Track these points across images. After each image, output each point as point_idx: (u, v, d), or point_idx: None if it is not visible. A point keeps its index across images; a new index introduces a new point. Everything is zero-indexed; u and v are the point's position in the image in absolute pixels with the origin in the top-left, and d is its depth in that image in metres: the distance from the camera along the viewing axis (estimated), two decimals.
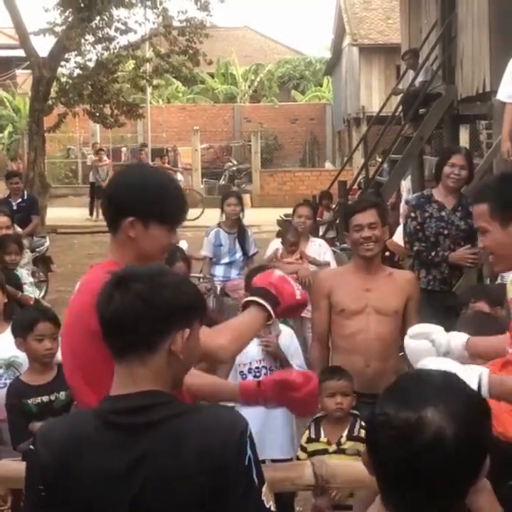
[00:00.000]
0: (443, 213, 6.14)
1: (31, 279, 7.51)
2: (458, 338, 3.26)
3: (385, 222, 4.63)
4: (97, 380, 2.58)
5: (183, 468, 1.94)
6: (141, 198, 2.73)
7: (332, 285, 4.59)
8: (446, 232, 6.12)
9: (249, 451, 1.98)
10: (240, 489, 1.96)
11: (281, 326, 4.94)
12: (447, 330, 5.81)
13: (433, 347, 3.19)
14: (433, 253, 6.10)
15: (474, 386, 2.74)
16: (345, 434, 4.17)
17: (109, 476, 1.95)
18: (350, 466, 3.67)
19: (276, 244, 7.45)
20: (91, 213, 22.21)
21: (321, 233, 11.03)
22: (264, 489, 2.01)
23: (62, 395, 4.18)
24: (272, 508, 2.03)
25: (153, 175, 2.88)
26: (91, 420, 2.02)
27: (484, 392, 2.78)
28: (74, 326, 2.73)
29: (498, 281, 5.72)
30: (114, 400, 2.04)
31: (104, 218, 2.85)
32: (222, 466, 1.94)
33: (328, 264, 7.03)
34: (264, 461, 4.55)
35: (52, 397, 4.19)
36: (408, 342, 3.24)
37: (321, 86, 39.48)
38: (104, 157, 23.36)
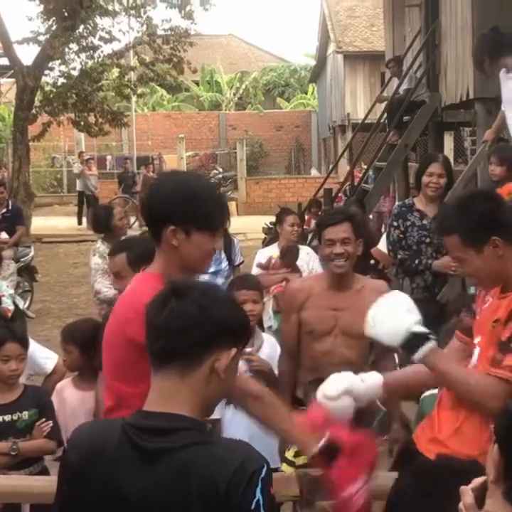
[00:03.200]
0: (424, 222, 6.17)
1: (11, 291, 7.48)
2: (373, 379, 3.20)
3: (360, 235, 4.41)
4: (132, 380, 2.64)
5: (184, 500, 1.89)
6: (179, 205, 2.71)
7: (303, 301, 4.42)
8: (428, 240, 6.15)
9: (258, 495, 1.87)
10: None
11: (265, 335, 4.91)
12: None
13: (352, 402, 3.11)
14: (416, 261, 6.12)
15: (421, 330, 2.84)
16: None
17: (117, 492, 1.95)
18: None
19: (269, 252, 7.42)
20: (79, 222, 22.13)
21: (308, 241, 11.02)
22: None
23: (25, 414, 4.12)
24: None
25: (189, 181, 2.83)
26: (118, 431, 2.00)
27: (424, 349, 2.82)
28: (114, 332, 2.78)
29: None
30: (142, 416, 2.01)
31: (148, 229, 2.85)
32: (224, 505, 1.87)
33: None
34: None
35: (15, 417, 4.12)
36: (328, 404, 3.09)
37: (306, 93, 39.57)
38: (93, 166, 23.32)
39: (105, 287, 6.46)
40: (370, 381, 3.18)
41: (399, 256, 6.23)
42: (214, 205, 2.76)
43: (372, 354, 4.46)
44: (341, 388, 3.11)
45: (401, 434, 4.24)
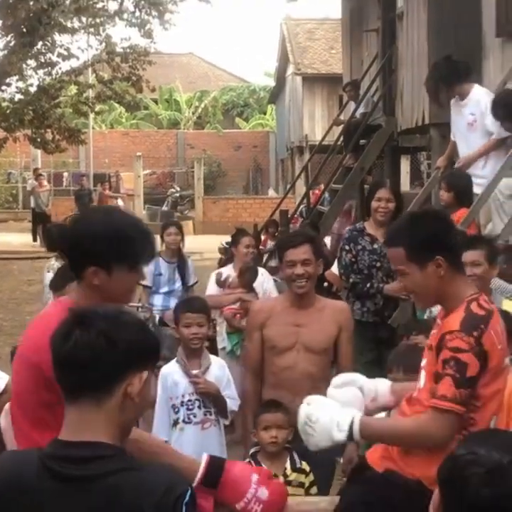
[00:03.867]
0: (375, 246, 6.24)
1: None
2: (383, 384, 3.27)
3: (320, 256, 4.60)
4: (37, 419, 2.63)
5: None
6: (101, 246, 2.69)
7: (265, 318, 4.55)
8: (379, 264, 6.21)
9: None
10: None
11: (213, 357, 4.92)
12: (378, 360, 5.89)
13: (360, 393, 3.18)
14: (368, 285, 6.18)
15: (346, 428, 2.87)
16: (288, 466, 4.15)
17: None
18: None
19: (226, 272, 7.40)
20: (34, 239, 21.94)
21: (263, 262, 11.03)
22: None
23: None
24: None
25: (112, 219, 2.80)
26: (35, 462, 1.97)
27: (355, 432, 2.87)
28: (23, 360, 2.74)
29: (427, 314, 5.79)
30: (59, 446, 1.98)
31: (69, 263, 2.82)
32: None
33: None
34: None
35: None
36: (333, 392, 3.20)
37: (265, 114, 39.74)
38: (45, 182, 23.15)
39: None
40: (379, 382, 3.29)
41: (351, 280, 6.28)
42: (137, 243, 2.74)
43: (335, 369, 4.56)
44: (347, 379, 3.28)
45: (355, 454, 4.30)
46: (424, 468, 2.84)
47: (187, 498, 1.93)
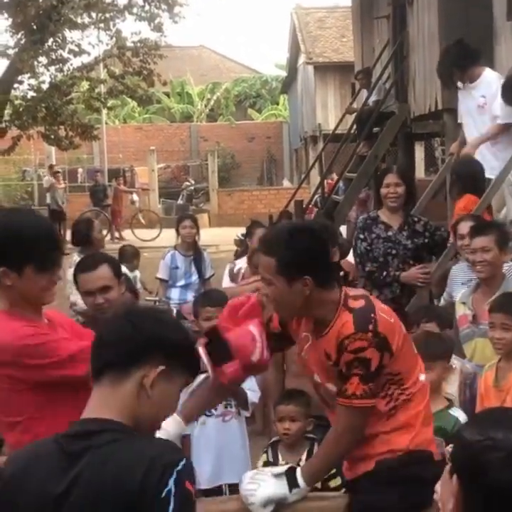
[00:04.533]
0: (390, 233, 6.21)
1: None
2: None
3: (334, 244, 4.62)
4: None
5: (103, 493, 1.93)
6: (6, 247, 2.72)
7: None
8: (394, 251, 6.19)
9: (171, 484, 1.90)
10: None
11: None
12: None
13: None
14: (384, 273, 6.16)
15: (284, 490, 2.99)
16: (304, 457, 4.13)
17: (45, 500, 1.99)
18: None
19: (240, 264, 7.41)
20: None
21: None
22: None
23: None
24: None
25: (17, 220, 2.82)
26: (51, 443, 2.07)
27: (302, 485, 3.00)
28: None
29: (442, 301, 5.77)
30: (74, 424, 2.09)
31: None
32: (136, 492, 1.90)
33: None
34: (220, 487, 4.58)
35: None
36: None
37: (278, 104, 39.65)
38: (61, 179, 23.22)
39: (80, 299, 6.47)
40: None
41: (367, 268, 6.26)
42: (44, 243, 2.77)
43: None
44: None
45: None
46: (396, 442, 3.03)
47: (179, 466, 1.94)
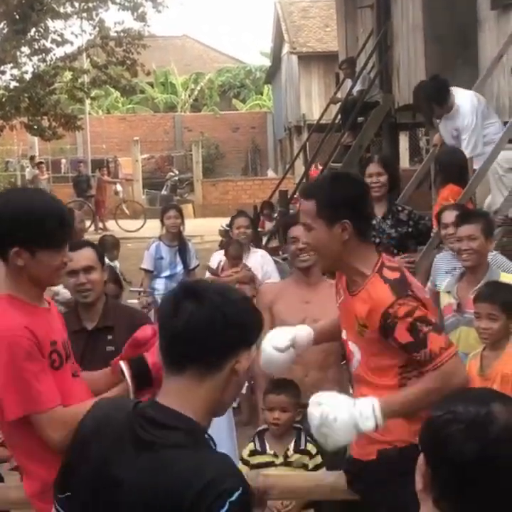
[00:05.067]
0: (373, 222, 6.22)
1: None
2: (306, 329, 3.46)
3: None
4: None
5: (153, 497, 1.89)
6: (20, 226, 2.69)
7: (273, 298, 4.61)
8: (377, 240, 6.19)
9: None
10: None
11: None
12: None
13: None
14: None
15: (370, 416, 2.88)
16: (291, 446, 4.14)
17: (106, 470, 1.97)
18: (287, 477, 3.69)
19: (218, 257, 7.41)
20: None
21: (264, 243, 11.02)
22: None
23: None
24: None
25: (30, 200, 2.80)
26: (125, 413, 2.02)
27: (379, 418, 2.89)
28: None
29: (426, 290, 5.77)
30: (152, 407, 2.02)
31: None
32: (183, 510, 1.84)
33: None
34: None
35: None
36: (276, 356, 3.37)
37: (262, 94, 39.61)
38: (44, 170, 23.11)
39: (63, 288, 6.43)
40: (305, 332, 3.44)
41: None
42: (57, 222, 2.74)
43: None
44: (289, 338, 3.36)
45: None
46: (399, 433, 2.99)
47: (234, 497, 1.84)
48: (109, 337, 3.88)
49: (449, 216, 5.49)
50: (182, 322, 1.97)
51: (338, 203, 2.97)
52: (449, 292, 4.92)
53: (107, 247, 8.23)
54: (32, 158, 24.84)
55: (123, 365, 2.85)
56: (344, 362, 4.78)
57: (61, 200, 2.94)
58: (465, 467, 1.60)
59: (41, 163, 23.73)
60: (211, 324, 1.96)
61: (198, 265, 8.09)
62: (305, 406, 4.21)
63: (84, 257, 3.95)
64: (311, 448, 4.10)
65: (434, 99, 7.18)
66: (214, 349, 1.98)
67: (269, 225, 12.93)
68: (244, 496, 1.86)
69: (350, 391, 3.65)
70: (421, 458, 1.68)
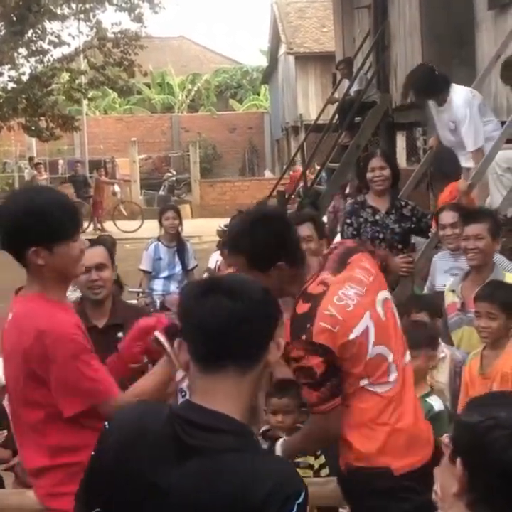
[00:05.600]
0: (377, 217, 6.23)
1: None
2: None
3: (322, 235, 4.67)
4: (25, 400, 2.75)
5: (212, 505, 1.86)
6: (31, 226, 2.71)
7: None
8: (381, 235, 6.20)
9: None
10: None
11: None
12: None
13: None
14: None
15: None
16: None
17: (150, 479, 1.91)
18: None
19: (216, 257, 7.43)
20: None
21: None
22: None
23: None
24: None
25: (34, 198, 2.82)
26: (163, 418, 1.96)
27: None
28: (15, 363, 2.78)
29: (425, 291, 5.78)
30: (189, 408, 1.97)
31: (10, 253, 2.81)
32: None
33: None
34: None
35: None
36: None
37: (259, 95, 39.61)
38: (43, 171, 23.09)
39: (68, 291, 6.45)
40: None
41: None
42: (64, 213, 2.77)
43: None
44: None
45: None
46: (350, 452, 3.00)
47: (300, 499, 1.86)
48: (120, 334, 3.88)
49: (447, 217, 5.50)
50: (222, 318, 1.94)
51: (265, 251, 2.90)
52: (453, 291, 4.93)
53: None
54: (31, 159, 24.83)
55: (159, 335, 2.85)
56: None
57: (63, 193, 2.96)
58: (508, 473, 1.62)
59: (39, 164, 23.72)
60: (250, 318, 1.95)
61: (196, 266, 8.09)
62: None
63: (97, 254, 4.02)
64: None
65: (421, 90, 7.16)
66: (254, 342, 1.97)
67: None
68: (307, 496, 1.88)
69: None
70: (458, 462, 1.69)
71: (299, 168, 24.53)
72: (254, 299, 1.98)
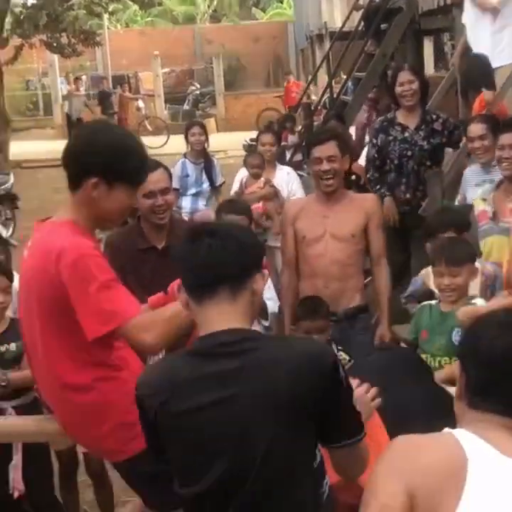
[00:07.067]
0: (406, 134, 6.20)
1: None
2: None
3: (346, 152, 4.72)
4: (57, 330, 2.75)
5: (275, 389, 2.08)
6: (109, 158, 2.70)
7: (296, 213, 4.78)
8: (409, 153, 6.17)
9: (342, 373, 2.15)
10: (342, 408, 2.16)
11: None
12: (404, 249, 6.05)
13: None
14: (378, 186, 6.28)
15: None
16: None
17: (208, 407, 2.11)
18: None
19: (242, 173, 7.39)
20: None
21: (288, 157, 10.94)
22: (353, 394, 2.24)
23: (12, 346, 4.12)
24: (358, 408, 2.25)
25: (120, 135, 2.83)
26: (187, 359, 2.19)
27: None
28: (38, 280, 2.77)
29: (457, 200, 5.73)
30: (206, 338, 2.18)
31: (66, 174, 2.81)
32: (322, 394, 2.10)
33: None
34: None
35: (3, 349, 4.13)
36: None
37: (282, 2, 38.82)
38: (81, 87, 22.91)
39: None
40: None
41: (368, 175, 6.40)
42: (141, 163, 2.78)
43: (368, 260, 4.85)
44: None
45: (387, 333, 4.62)
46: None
47: (337, 358, 2.19)
48: None
49: (475, 129, 5.43)
50: (204, 251, 2.19)
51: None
52: (484, 200, 4.89)
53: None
54: (67, 74, 24.62)
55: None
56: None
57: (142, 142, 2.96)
58: (498, 365, 1.74)
59: (78, 78, 23.53)
60: (230, 251, 2.19)
61: (223, 182, 8.06)
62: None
63: (161, 178, 4.03)
64: (344, 356, 4.21)
65: None
66: (237, 268, 2.20)
67: (292, 138, 12.77)
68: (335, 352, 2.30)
69: None
70: (457, 365, 1.84)
71: (292, 78, 24.29)
72: (232, 234, 2.25)
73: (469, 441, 1.68)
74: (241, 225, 2.50)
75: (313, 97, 17.29)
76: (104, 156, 2.70)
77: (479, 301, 3.96)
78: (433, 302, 4.12)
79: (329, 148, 4.59)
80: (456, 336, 3.83)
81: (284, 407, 2.08)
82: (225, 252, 2.19)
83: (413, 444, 1.73)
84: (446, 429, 1.75)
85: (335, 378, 2.13)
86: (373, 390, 2.50)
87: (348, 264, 4.64)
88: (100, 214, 2.77)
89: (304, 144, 11.71)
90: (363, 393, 2.45)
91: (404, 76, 6.20)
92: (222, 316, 2.18)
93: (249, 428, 2.09)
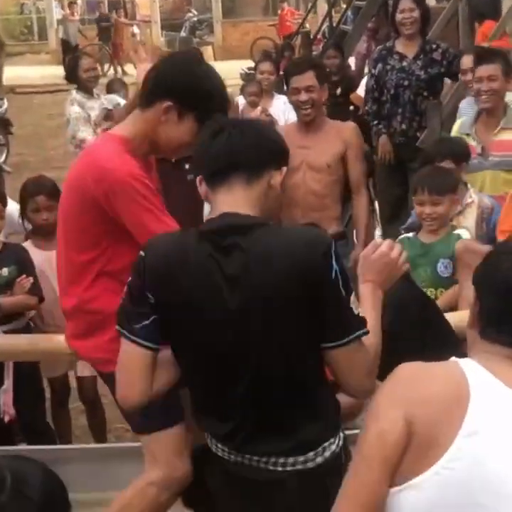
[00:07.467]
0: (404, 63, 6.15)
1: None
2: None
3: (325, 81, 4.73)
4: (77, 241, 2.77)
5: (275, 279, 2.10)
6: (190, 87, 2.68)
7: None
8: (406, 83, 6.13)
9: (334, 265, 2.12)
10: (330, 301, 2.12)
11: None
12: (402, 183, 6.03)
13: None
14: (375, 121, 6.28)
15: None
16: None
17: (210, 283, 2.15)
18: None
19: (240, 102, 7.33)
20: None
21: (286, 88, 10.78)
22: (352, 298, 2.19)
23: (5, 271, 4.10)
24: (361, 314, 2.23)
25: (211, 72, 2.81)
26: (195, 234, 2.21)
27: None
28: (73, 189, 2.79)
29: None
30: (216, 220, 2.21)
31: (142, 88, 2.80)
32: (311, 279, 2.09)
33: None
34: None
35: None
36: None
37: None
38: (76, 12, 22.55)
39: (89, 135, 6.47)
40: None
41: (366, 107, 6.41)
42: (221, 105, 2.75)
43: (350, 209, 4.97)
44: None
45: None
46: None
47: (333, 247, 2.15)
48: (186, 166, 3.98)
49: (467, 61, 5.38)
50: (223, 140, 2.24)
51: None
52: (468, 134, 4.84)
53: (116, 88, 8.19)
54: None
55: None
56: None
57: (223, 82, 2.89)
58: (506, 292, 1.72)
59: (73, 3, 23.11)
60: (249, 139, 2.24)
61: None
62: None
63: (308, 77, 4.47)
64: None
65: None
66: (253, 157, 2.24)
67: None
68: (332, 241, 2.19)
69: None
70: (472, 293, 1.82)
71: (286, 6, 23.86)
72: (254, 127, 2.31)
73: (474, 371, 1.68)
74: (266, 122, 2.40)
75: (308, 26, 17.00)
76: (188, 85, 2.68)
77: (463, 232, 3.95)
78: (410, 235, 4.10)
79: (307, 79, 4.61)
80: (441, 267, 3.85)
81: (283, 288, 2.11)
82: (242, 141, 2.23)
83: (416, 373, 1.72)
84: (453, 358, 1.74)
85: (324, 265, 2.11)
86: (397, 246, 2.43)
87: (324, 195, 4.73)
88: (159, 140, 2.75)
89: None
90: (387, 252, 2.38)
91: (406, 3, 6.14)
92: (235, 198, 2.22)
93: (249, 310, 2.13)
